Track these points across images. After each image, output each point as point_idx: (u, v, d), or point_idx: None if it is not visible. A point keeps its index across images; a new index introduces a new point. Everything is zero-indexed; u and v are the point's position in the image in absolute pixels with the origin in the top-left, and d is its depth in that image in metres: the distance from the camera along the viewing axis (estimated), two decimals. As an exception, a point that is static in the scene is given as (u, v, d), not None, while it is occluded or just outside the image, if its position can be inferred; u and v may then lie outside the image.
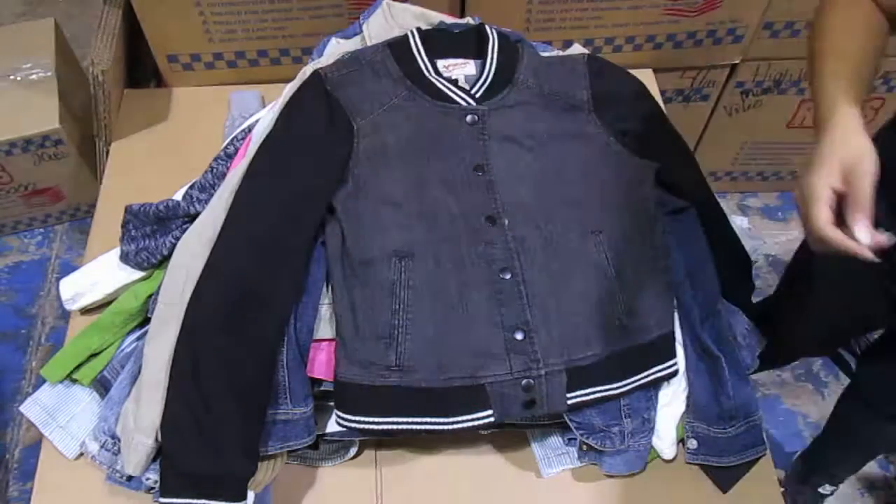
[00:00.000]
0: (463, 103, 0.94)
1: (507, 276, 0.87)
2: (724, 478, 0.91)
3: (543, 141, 0.95)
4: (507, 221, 0.90)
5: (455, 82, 0.96)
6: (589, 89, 0.99)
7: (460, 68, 0.99)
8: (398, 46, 0.97)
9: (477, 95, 0.95)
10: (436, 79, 0.95)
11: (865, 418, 1.20)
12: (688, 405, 0.93)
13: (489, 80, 0.97)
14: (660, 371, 0.92)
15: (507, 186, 0.92)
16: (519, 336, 0.86)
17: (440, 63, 0.98)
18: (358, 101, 0.93)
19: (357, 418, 0.84)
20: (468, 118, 0.94)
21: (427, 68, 0.96)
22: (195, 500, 0.77)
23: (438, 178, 0.91)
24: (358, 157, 0.91)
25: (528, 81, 0.98)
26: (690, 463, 0.92)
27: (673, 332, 0.95)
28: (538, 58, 1.01)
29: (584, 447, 0.90)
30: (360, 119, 0.92)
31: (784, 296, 1.27)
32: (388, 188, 0.90)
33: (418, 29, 0.98)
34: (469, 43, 1.00)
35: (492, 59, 0.98)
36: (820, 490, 1.44)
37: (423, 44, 0.97)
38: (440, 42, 0.98)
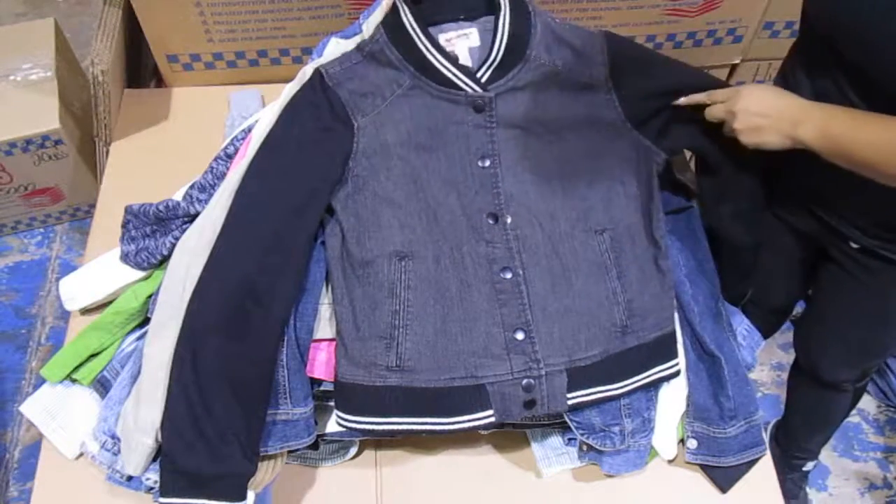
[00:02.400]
0: (469, 90, 0.90)
1: (508, 276, 0.87)
2: (724, 478, 0.91)
3: (553, 129, 0.93)
4: (509, 220, 0.89)
5: (456, 61, 0.91)
6: (607, 65, 0.93)
7: (462, 40, 0.93)
8: (392, 24, 0.90)
9: (484, 79, 0.91)
10: (439, 62, 0.90)
11: (812, 389, 1.27)
12: (688, 405, 0.93)
13: (500, 56, 0.91)
14: (661, 371, 0.92)
15: (512, 180, 0.91)
16: (519, 336, 0.85)
17: (441, 38, 0.92)
18: (360, 97, 0.90)
19: (357, 419, 0.84)
20: (474, 106, 0.90)
21: (427, 47, 0.89)
22: (195, 500, 0.78)
23: (440, 176, 0.90)
24: (358, 157, 0.90)
25: (542, 58, 0.92)
26: (690, 463, 0.92)
27: (674, 332, 0.94)
28: (551, 30, 0.93)
29: (584, 447, 0.90)
30: (361, 117, 0.91)
31: None
32: (388, 187, 0.89)
33: None
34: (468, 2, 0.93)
35: (503, 32, 0.91)
36: (804, 469, 1.47)
37: (413, 16, 0.89)
38: (434, 6, 0.92)
